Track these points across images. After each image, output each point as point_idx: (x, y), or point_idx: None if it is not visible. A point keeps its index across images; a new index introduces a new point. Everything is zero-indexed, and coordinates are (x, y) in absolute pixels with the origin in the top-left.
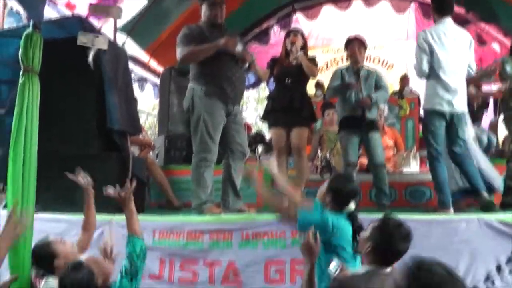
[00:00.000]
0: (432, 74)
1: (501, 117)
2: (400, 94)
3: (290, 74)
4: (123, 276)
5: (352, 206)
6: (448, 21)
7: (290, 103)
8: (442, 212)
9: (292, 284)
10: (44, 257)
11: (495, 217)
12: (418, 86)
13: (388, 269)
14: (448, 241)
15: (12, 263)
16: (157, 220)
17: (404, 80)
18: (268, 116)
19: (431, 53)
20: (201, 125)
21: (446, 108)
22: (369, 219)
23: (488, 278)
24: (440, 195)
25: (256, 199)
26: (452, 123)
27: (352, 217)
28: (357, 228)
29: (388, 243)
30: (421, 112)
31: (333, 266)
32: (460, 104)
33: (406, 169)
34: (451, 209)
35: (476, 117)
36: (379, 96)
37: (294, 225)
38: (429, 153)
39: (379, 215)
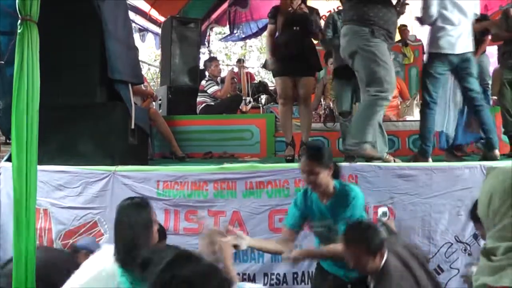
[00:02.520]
0: (438, 17)
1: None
2: (404, 42)
3: (297, 22)
4: None
5: None
6: None
7: (299, 51)
8: (421, 161)
9: None
10: None
11: (498, 164)
12: (422, 33)
13: None
14: (450, 188)
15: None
16: (161, 171)
17: (404, 31)
18: (275, 64)
19: None
20: (379, 63)
21: (451, 51)
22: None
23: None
24: (422, 143)
25: (259, 149)
26: (459, 65)
27: None
28: None
29: None
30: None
31: (382, 212)
32: (466, 46)
33: (409, 117)
34: (430, 159)
35: None
36: None
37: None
38: (423, 98)
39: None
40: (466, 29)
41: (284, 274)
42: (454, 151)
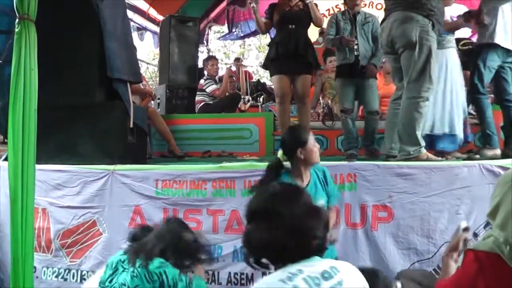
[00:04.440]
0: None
1: None
2: None
3: (293, 19)
4: None
5: None
6: None
7: (295, 49)
8: (491, 153)
9: None
10: None
11: (496, 163)
12: None
13: None
14: (449, 187)
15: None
16: (160, 170)
17: None
18: (271, 64)
19: None
20: (430, 61)
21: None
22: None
23: (488, 224)
24: (487, 130)
25: (258, 147)
26: (505, 60)
27: None
28: None
29: None
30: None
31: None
32: None
33: None
34: (498, 150)
35: None
36: (379, 56)
37: None
38: (476, 90)
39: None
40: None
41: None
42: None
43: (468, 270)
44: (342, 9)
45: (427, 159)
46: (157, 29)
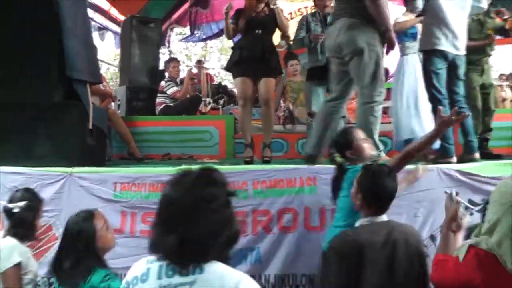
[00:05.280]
0: (434, 17)
1: None
2: None
3: (260, 25)
4: None
5: None
6: None
7: (261, 54)
8: (445, 161)
9: (255, 234)
10: None
11: (454, 167)
12: None
13: (384, 217)
14: (409, 190)
15: None
16: (119, 172)
17: None
18: (234, 66)
19: None
20: (380, 66)
21: (446, 48)
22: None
23: None
24: (446, 141)
25: (218, 150)
26: (452, 64)
27: None
28: None
29: (375, 184)
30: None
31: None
32: (461, 47)
33: None
34: (454, 158)
35: None
36: None
37: None
38: (433, 97)
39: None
40: (462, 29)
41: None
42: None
43: (467, 264)
44: (305, 13)
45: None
46: (118, 29)
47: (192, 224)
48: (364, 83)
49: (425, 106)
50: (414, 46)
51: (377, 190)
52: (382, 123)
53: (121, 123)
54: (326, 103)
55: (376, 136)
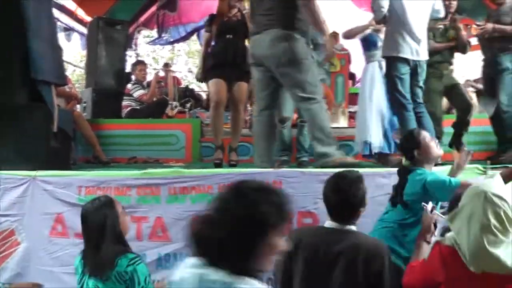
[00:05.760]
0: (396, 22)
1: None
2: None
3: (231, 29)
4: None
5: None
6: None
7: (233, 59)
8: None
9: None
10: None
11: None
12: (348, 43)
13: (350, 227)
14: (374, 193)
15: None
16: (84, 176)
17: (334, 38)
18: (208, 71)
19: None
20: (314, 71)
21: (410, 56)
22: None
23: None
24: None
25: (184, 154)
26: (414, 70)
27: None
28: None
29: (324, 193)
30: (351, 68)
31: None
32: (423, 53)
33: (335, 125)
34: None
35: None
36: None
37: None
38: (397, 101)
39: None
40: (423, 35)
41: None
42: (380, 159)
43: (431, 261)
44: None
45: (344, 161)
46: (85, 30)
47: None
48: (309, 87)
49: (374, 113)
50: (375, 54)
51: (325, 198)
52: (350, 127)
53: (87, 126)
54: (260, 115)
55: (327, 131)
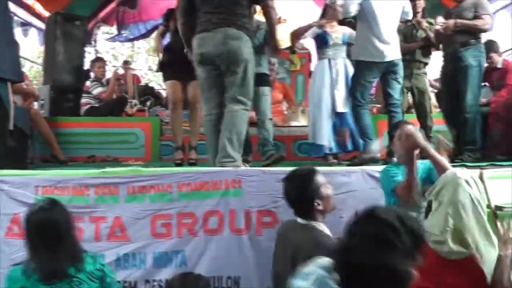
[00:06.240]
0: (366, 26)
1: None
2: (291, 49)
3: None
4: None
5: None
6: None
7: (188, 56)
8: (368, 156)
9: (179, 237)
10: None
11: (377, 169)
12: (309, 42)
13: (313, 223)
14: (333, 192)
15: None
16: (41, 175)
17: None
18: (164, 68)
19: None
20: (252, 75)
21: (380, 59)
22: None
23: None
24: (366, 140)
25: (144, 152)
26: (387, 70)
27: None
28: None
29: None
30: (311, 67)
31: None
32: (394, 53)
33: (295, 123)
34: (379, 154)
35: None
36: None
37: None
38: (355, 99)
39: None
40: (394, 36)
41: (167, 280)
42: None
43: None
44: None
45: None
46: (42, 25)
47: None
48: (240, 91)
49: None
50: (326, 52)
51: (285, 195)
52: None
53: (44, 124)
54: (210, 114)
55: (242, 138)
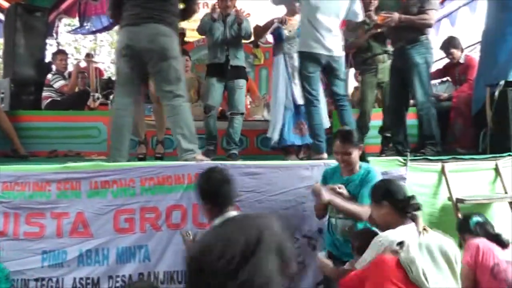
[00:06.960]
0: (307, 18)
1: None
2: (255, 43)
3: None
4: None
5: None
6: None
7: None
8: (316, 157)
9: (142, 232)
10: None
11: None
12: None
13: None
14: (296, 186)
15: None
16: (1, 170)
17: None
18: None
19: None
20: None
21: (319, 50)
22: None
23: None
24: (315, 139)
25: (106, 147)
26: (328, 66)
27: None
28: None
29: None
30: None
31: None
32: (335, 48)
33: (258, 117)
34: (325, 155)
35: None
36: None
37: None
38: (305, 97)
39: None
40: (335, 31)
41: (130, 276)
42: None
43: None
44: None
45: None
46: (2, 16)
47: None
48: (179, 85)
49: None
50: (282, 46)
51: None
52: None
53: (4, 118)
54: (121, 108)
55: (193, 129)
